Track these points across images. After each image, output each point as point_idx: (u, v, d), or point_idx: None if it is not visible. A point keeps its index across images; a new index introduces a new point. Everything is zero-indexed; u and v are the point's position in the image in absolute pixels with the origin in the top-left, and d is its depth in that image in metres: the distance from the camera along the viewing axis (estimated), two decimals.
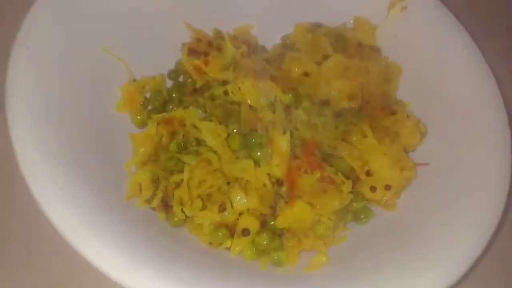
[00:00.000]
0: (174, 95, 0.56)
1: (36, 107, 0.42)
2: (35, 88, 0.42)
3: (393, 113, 0.52)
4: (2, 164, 0.48)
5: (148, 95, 0.56)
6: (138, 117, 0.53)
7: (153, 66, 0.57)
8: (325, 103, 0.52)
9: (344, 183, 0.46)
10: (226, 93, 0.51)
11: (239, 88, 0.49)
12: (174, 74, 0.59)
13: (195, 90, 0.55)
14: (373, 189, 0.48)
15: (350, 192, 0.47)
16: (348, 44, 0.53)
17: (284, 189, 0.47)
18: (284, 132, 0.46)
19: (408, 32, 0.59)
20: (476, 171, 0.49)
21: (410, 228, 0.48)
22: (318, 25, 0.56)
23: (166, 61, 0.59)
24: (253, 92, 0.49)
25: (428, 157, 0.53)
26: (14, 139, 0.38)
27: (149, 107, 0.55)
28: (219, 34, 0.60)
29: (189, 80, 0.56)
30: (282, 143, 0.46)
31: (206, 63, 0.53)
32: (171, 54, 0.58)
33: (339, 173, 0.47)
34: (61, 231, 0.36)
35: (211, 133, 0.47)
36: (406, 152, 0.54)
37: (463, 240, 0.44)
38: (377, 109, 0.52)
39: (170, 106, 0.54)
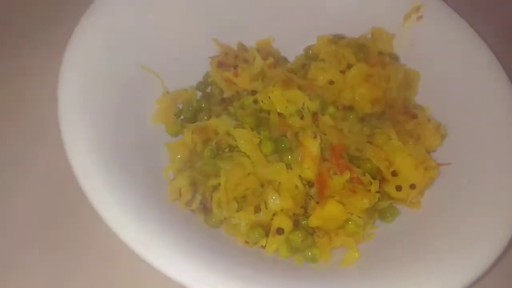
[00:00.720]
0: (203, 105, 0.59)
1: (87, 124, 0.45)
2: (85, 106, 0.46)
3: (415, 116, 0.55)
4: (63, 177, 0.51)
5: (180, 106, 0.60)
6: (173, 126, 0.56)
7: (183, 79, 0.61)
8: (350, 108, 0.55)
9: (371, 183, 0.49)
10: (255, 102, 0.54)
11: (269, 97, 0.52)
12: (202, 85, 0.62)
13: (223, 100, 0.59)
14: (398, 188, 0.50)
15: (377, 192, 0.50)
16: (370, 53, 0.56)
17: (314, 190, 0.50)
18: (315, 137, 0.49)
19: (424, 40, 0.62)
20: (495, 169, 0.51)
21: (434, 225, 0.50)
22: (341, 37, 0.59)
23: (194, 74, 0.62)
24: (282, 100, 0.52)
25: (449, 157, 0.56)
26: (69, 153, 0.42)
27: (182, 117, 0.59)
28: (243, 48, 0.63)
29: (217, 91, 0.60)
30: (313, 147, 0.48)
31: (236, 74, 0.56)
32: (198, 68, 0.62)
33: (366, 174, 0.50)
34: (117, 233, 0.39)
35: (244, 139, 0.50)
36: (428, 153, 0.57)
37: (486, 236, 0.46)
38: (399, 113, 0.55)
39: (201, 115, 0.57)
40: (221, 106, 0.58)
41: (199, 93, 0.62)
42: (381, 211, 0.52)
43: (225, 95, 0.59)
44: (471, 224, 0.48)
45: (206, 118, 0.57)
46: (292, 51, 0.65)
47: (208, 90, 0.62)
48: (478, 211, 0.49)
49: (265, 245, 0.48)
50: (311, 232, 0.49)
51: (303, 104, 0.53)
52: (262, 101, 0.53)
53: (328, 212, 0.46)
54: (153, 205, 0.45)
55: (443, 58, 0.61)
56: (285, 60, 0.66)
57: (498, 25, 0.75)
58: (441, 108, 0.59)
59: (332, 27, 0.64)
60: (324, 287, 0.41)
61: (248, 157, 0.50)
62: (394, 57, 0.60)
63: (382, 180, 0.52)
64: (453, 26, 0.61)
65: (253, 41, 0.66)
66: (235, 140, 0.51)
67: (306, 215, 0.49)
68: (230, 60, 0.61)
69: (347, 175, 0.48)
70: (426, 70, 0.62)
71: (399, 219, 0.53)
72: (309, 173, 0.48)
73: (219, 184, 0.48)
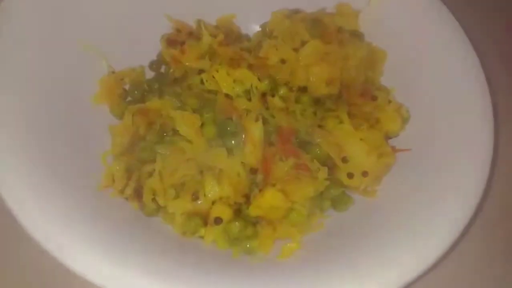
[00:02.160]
0: (155, 86, 0.56)
1: (11, 100, 0.42)
2: (11, 81, 0.43)
3: (373, 99, 0.51)
4: None
5: (127, 87, 0.56)
6: (116, 107, 0.53)
7: (135, 58, 0.58)
8: (304, 90, 0.52)
9: (319, 170, 0.46)
10: (202, 82, 0.51)
11: (213, 77, 0.49)
12: (155, 65, 0.59)
13: (175, 80, 0.55)
14: (350, 175, 0.47)
15: (326, 179, 0.46)
16: (327, 29, 0.52)
17: (259, 177, 0.46)
18: (257, 120, 0.45)
19: (393, 17, 0.58)
20: (457, 157, 0.47)
21: (389, 214, 0.47)
22: (296, 11, 0.55)
23: (149, 53, 0.59)
24: (228, 80, 0.49)
25: (412, 142, 0.52)
26: None
27: (129, 99, 0.56)
28: (200, 24, 0.59)
29: (170, 71, 0.56)
30: (255, 130, 0.45)
31: (183, 52, 0.52)
32: (154, 45, 0.58)
33: (314, 160, 0.46)
34: (28, 227, 0.36)
35: (184, 122, 0.46)
36: (389, 138, 0.53)
37: (441, 225, 0.43)
38: (356, 95, 0.51)
39: (150, 97, 0.54)
40: (173, 86, 0.55)
41: (153, 74, 0.59)
42: (333, 200, 0.49)
43: (177, 75, 0.56)
44: (427, 213, 0.45)
45: (154, 99, 0.53)
46: (256, 28, 0.62)
47: (162, 70, 0.59)
48: (436, 199, 0.46)
49: (203, 236, 0.45)
50: (254, 222, 0.46)
51: (252, 84, 0.49)
52: (206, 81, 0.49)
53: (267, 201, 0.43)
54: (82, 191, 0.42)
55: (412, 36, 0.57)
56: (247, 38, 0.62)
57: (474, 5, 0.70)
58: (408, 90, 0.56)
59: (299, 2, 0.60)
60: (251, 281, 0.38)
61: (189, 141, 0.47)
62: (357, 35, 0.55)
63: (334, 167, 0.48)
64: (424, 3, 0.56)
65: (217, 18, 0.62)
66: None
67: (249, 203, 0.46)
68: (182, 37, 0.57)
69: (291, 161, 0.44)
70: (394, 49, 0.58)
71: (354, 208, 0.50)
72: (251, 159, 0.45)
73: (154, 170, 0.45)
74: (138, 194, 0.45)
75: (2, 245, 0.47)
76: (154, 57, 0.59)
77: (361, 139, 0.47)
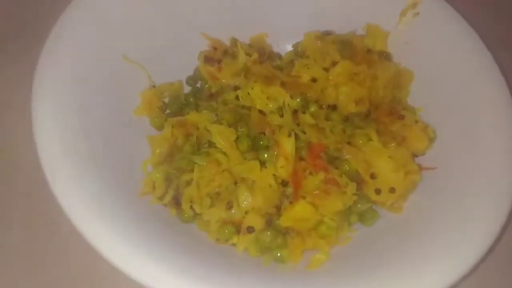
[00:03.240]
0: (191, 100, 0.59)
1: (59, 110, 0.46)
2: (60, 93, 0.46)
3: (401, 118, 0.53)
4: (28, 163, 0.52)
5: (167, 100, 0.60)
6: (156, 119, 0.56)
7: (174, 73, 0.61)
8: (334, 107, 0.54)
9: (348, 185, 0.48)
10: (237, 98, 0.54)
11: (248, 93, 0.52)
12: (192, 80, 0.62)
13: (211, 95, 0.59)
14: (377, 191, 0.49)
15: (355, 194, 0.48)
16: (356, 51, 0.55)
17: (290, 190, 0.49)
18: (289, 135, 0.48)
19: (420, 38, 0.60)
20: (483, 176, 0.49)
21: (415, 230, 0.48)
22: (327, 33, 0.58)
23: (186, 68, 0.62)
24: (262, 97, 0.52)
25: (438, 161, 0.54)
26: (37, 138, 0.42)
27: (168, 111, 0.59)
28: (235, 43, 0.63)
29: (206, 86, 0.60)
30: (287, 145, 0.48)
31: (220, 69, 0.55)
32: (191, 62, 0.62)
33: (343, 175, 0.48)
34: (77, 226, 0.39)
35: (220, 135, 0.49)
36: (416, 156, 0.55)
37: (466, 242, 0.44)
38: (384, 114, 0.53)
39: (187, 110, 0.57)
40: (209, 101, 0.58)
41: (189, 88, 0.62)
42: (361, 214, 0.51)
43: (213, 90, 0.59)
44: (452, 230, 0.46)
45: (192, 112, 0.56)
46: (289, 47, 0.65)
47: (198, 85, 0.62)
48: (461, 217, 0.47)
49: (236, 243, 0.47)
50: (284, 232, 0.48)
51: (284, 101, 0.52)
52: (242, 97, 0.52)
53: (297, 213, 0.45)
54: (124, 197, 0.45)
55: (439, 58, 0.59)
56: (279, 56, 0.65)
57: (500, 26, 0.72)
58: (434, 110, 0.57)
59: (329, 23, 0.62)
60: None
61: (224, 153, 0.49)
62: (385, 56, 0.58)
63: (362, 183, 0.50)
64: (451, 24, 0.59)
65: (250, 36, 0.65)
66: None
67: (279, 214, 0.48)
68: (218, 55, 0.60)
69: (321, 175, 0.47)
70: (421, 69, 0.60)
71: (380, 223, 0.52)
72: (283, 172, 0.47)
73: (192, 180, 0.48)
74: (176, 201, 0.48)
75: (53, 239, 0.50)
76: (191, 72, 0.63)
77: (389, 157, 0.48)
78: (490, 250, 0.44)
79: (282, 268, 0.45)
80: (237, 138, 0.50)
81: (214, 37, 0.63)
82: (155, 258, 0.40)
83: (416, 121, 0.53)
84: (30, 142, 0.43)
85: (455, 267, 0.43)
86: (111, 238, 0.39)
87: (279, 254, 0.46)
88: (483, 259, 0.44)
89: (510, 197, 0.47)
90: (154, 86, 0.59)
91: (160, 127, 0.57)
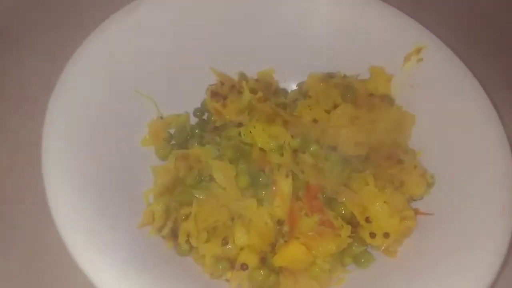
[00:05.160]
0: (196, 131, 0.61)
1: (68, 136, 0.48)
2: (68, 127, 0.48)
3: (399, 162, 0.54)
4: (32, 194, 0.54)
5: (173, 131, 0.62)
6: (161, 150, 0.58)
7: (181, 104, 0.63)
8: (333, 148, 0.55)
9: (343, 228, 0.48)
10: (240, 134, 0.55)
11: (250, 131, 0.53)
12: (199, 112, 0.64)
13: (215, 129, 0.60)
14: (372, 235, 0.49)
15: (350, 237, 0.49)
16: (358, 94, 0.56)
17: (285, 229, 0.50)
18: (287, 176, 0.49)
19: (424, 83, 0.61)
20: (479, 225, 0.49)
21: (409, 274, 0.49)
22: (331, 76, 0.59)
23: (194, 100, 0.65)
24: (263, 135, 0.53)
25: (435, 206, 0.54)
26: (44, 169, 0.44)
27: (173, 142, 0.61)
28: (243, 77, 0.65)
29: (212, 119, 0.61)
30: (285, 186, 0.49)
31: (225, 106, 0.57)
32: (199, 94, 0.64)
33: (339, 218, 0.49)
34: (74, 255, 0.41)
35: (221, 171, 0.51)
36: (414, 200, 0.55)
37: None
38: (383, 158, 0.54)
39: (192, 142, 0.59)
40: (213, 134, 0.60)
41: (196, 120, 0.64)
42: (355, 256, 0.51)
43: (217, 124, 0.61)
44: (444, 281, 0.46)
45: (196, 144, 0.58)
46: (295, 83, 0.66)
47: (205, 117, 0.64)
48: (456, 265, 0.47)
49: (230, 279, 0.48)
50: (277, 271, 0.49)
51: (285, 140, 0.53)
52: (244, 134, 0.54)
53: (291, 253, 0.46)
54: (121, 227, 0.47)
55: (441, 103, 0.59)
56: (285, 92, 0.66)
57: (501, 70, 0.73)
58: (434, 154, 0.58)
59: (333, 62, 0.64)
60: None
61: (224, 189, 0.51)
62: (387, 99, 0.59)
63: (358, 225, 0.51)
64: (454, 72, 0.59)
65: (258, 71, 0.67)
66: None
67: (274, 252, 0.49)
68: (224, 90, 0.62)
69: (316, 217, 0.48)
70: (423, 114, 0.61)
71: (375, 265, 0.52)
72: (279, 211, 0.48)
73: (191, 213, 0.49)
74: (174, 234, 0.50)
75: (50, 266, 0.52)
76: (198, 104, 0.65)
77: (384, 202, 0.49)
78: None
79: None
80: (236, 174, 0.52)
81: (223, 70, 0.65)
82: None
83: (415, 166, 0.54)
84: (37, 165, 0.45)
85: None
86: (103, 267, 0.41)
87: None
88: None
89: (505, 247, 0.47)
90: (161, 117, 0.61)
91: (164, 158, 0.58)
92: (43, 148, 0.47)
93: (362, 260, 0.51)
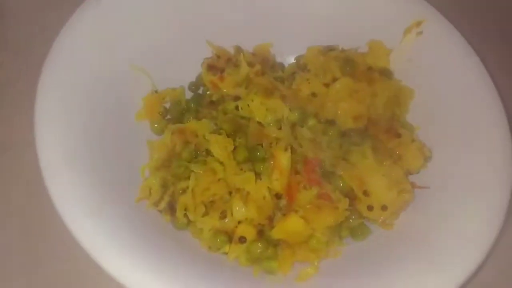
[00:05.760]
0: (192, 105, 0.60)
1: (62, 110, 0.46)
2: (62, 97, 0.47)
3: (398, 136, 0.53)
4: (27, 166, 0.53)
5: (168, 105, 0.61)
6: (156, 125, 0.57)
7: (176, 78, 0.62)
8: (332, 122, 0.55)
9: (341, 201, 0.48)
10: (237, 108, 0.55)
11: (248, 105, 0.52)
12: (194, 86, 0.63)
13: (211, 103, 0.59)
14: (370, 208, 0.50)
15: (347, 210, 0.49)
16: (357, 67, 0.55)
17: (283, 202, 0.50)
18: (286, 149, 0.49)
19: (423, 57, 0.60)
20: (476, 198, 0.49)
21: (405, 246, 0.49)
22: (330, 48, 0.58)
23: (189, 74, 0.63)
24: (261, 109, 0.53)
25: (432, 179, 0.54)
26: (37, 142, 0.43)
27: (168, 116, 0.60)
28: (239, 51, 0.63)
29: (207, 93, 0.60)
30: (283, 159, 0.48)
31: (221, 79, 0.56)
32: (194, 68, 0.63)
33: (337, 191, 0.49)
34: (70, 228, 0.40)
35: (218, 145, 0.50)
36: (410, 174, 0.55)
37: (455, 261, 0.45)
38: (381, 132, 0.53)
39: (187, 116, 0.58)
40: (209, 109, 0.59)
41: (191, 94, 0.63)
42: (352, 229, 0.51)
43: (214, 98, 0.60)
44: (440, 252, 0.46)
45: (191, 119, 0.57)
46: (292, 58, 0.65)
47: (200, 91, 0.63)
48: (450, 239, 0.47)
49: (228, 252, 0.48)
50: (275, 243, 0.49)
51: (283, 114, 0.53)
52: (241, 108, 0.53)
53: (289, 226, 0.46)
54: (119, 201, 0.46)
55: (440, 77, 0.59)
56: (282, 66, 0.65)
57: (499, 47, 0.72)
58: (432, 129, 0.58)
59: (333, 37, 0.63)
60: None
61: (221, 163, 0.50)
62: (386, 73, 0.58)
63: (355, 198, 0.51)
64: (453, 45, 0.59)
65: (255, 45, 0.66)
66: None
67: (272, 226, 0.49)
68: (221, 63, 0.61)
69: (314, 190, 0.47)
70: (422, 88, 0.60)
71: (371, 238, 0.52)
72: (277, 185, 0.48)
73: (188, 187, 0.49)
74: (171, 208, 0.49)
75: (50, 241, 0.52)
76: (194, 78, 0.64)
77: (383, 175, 0.49)
78: (479, 270, 0.44)
79: (271, 279, 0.46)
80: (234, 148, 0.51)
81: (219, 44, 0.64)
82: (145, 264, 0.41)
83: (413, 140, 0.54)
84: (32, 144, 0.44)
85: (443, 285, 0.44)
86: (101, 241, 0.40)
87: (268, 265, 0.46)
88: (471, 278, 0.44)
89: (501, 218, 0.47)
90: (156, 91, 0.60)
91: (160, 133, 0.58)
92: (36, 122, 0.46)
93: (359, 233, 0.51)
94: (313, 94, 0.54)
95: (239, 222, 0.48)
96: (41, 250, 0.52)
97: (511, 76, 0.67)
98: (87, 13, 0.53)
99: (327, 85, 0.54)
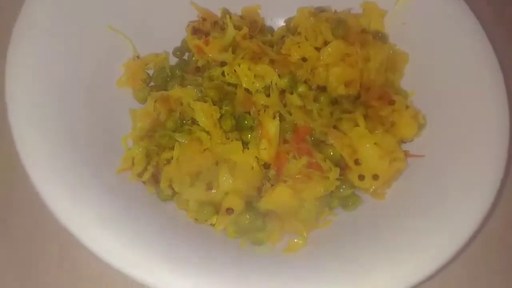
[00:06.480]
0: (177, 72, 0.57)
1: (36, 80, 0.44)
2: (36, 62, 0.44)
3: (391, 103, 0.51)
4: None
5: (151, 72, 0.58)
6: (139, 92, 0.55)
7: (160, 43, 0.59)
8: (323, 89, 0.52)
9: (331, 170, 0.47)
10: (223, 74, 0.52)
11: (235, 71, 0.50)
12: (179, 52, 0.60)
13: (197, 69, 0.57)
14: (361, 177, 0.48)
15: (338, 179, 0.48)
16: (350, 30, 0.52)
17: (272, 172, 0.48)
18: (274, 117, 0.46)
19: (418, 20, 0.58)
20: (469, 168, 0.48)
21: (396, 217, 0.48)
22: (322, 10, 0.55)
23: (173, 38, 0.60)
24: (248, 74, 0.50)
25: (425, 148, 0.53)
26: (9, 110, 0.41)
27: (152, 84, 0.57)
28: (226, 14, 0.60)
29: (193, 59, 0.57)
30: (271, 127, 0.46)
31: (207, 43, 0.53)
32: (179, 32, 0.59)
33: (327, 160, 0.47)
34: (49, 204, 0.38)
35: (204, 113, 0.48)
36: (404, 142, 0.54)
37: (447, 233, 0.44)
38: (374, 98, 0.51)
39: (172, 83, 0.55)
40: (195, 75, 0.56)
41: (176, 60, 0.60)
42: (343, 199, 0.50)
43: (199, 64, 0.57)
44: (432, 224, 0.45)
45: (177, 86, 0.54)
46: (282, 21, 0.62)
47: (185, 57, 0.60)
48: (443, 210, 0.46)
49: (215, 224, 0.47)
50: (263, 214, 0.47)
51: (272, 80, 0.50)
52: (228, 74, 0.50)
53: (278, 197, 0.45)
54: (100, 172, 0.44)
55: (436, 41, 0.57)
56: (271, 30, 0.62)
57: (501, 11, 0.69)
58: (427, 95, 0.56)
59: None
60: (256, 271, 0.40)
61: (207, 132, 0.48)
62: (380, 36, 0.55)
63: (346, 167, 0.49)
64: (449, 6, 0.56)
65: (243, 7, 0.62)
66: None
67: (260, 196, 0.47)
68: (207, 26, 0.58)
69: (304, 160, 0.46)
70: (417, 52, 0.58)
71: (362, 208, 0.51)
72: (265, 154, 0.46)
73: (172, 158, 0.47)
74: (155, 179, 0.47)
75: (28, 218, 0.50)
76: (178, 43, 0.60)
77: (375, 143, 0.47)
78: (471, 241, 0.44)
79: (259, 250, 0.45)
80: (220, 116, 0.49)
81: (205, 6, 0.60)
82: (130, 237, 0.40)
83: (407, 107, 0.52)
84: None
85: (433, 257, 0.43)
86: (83, 217, 0.39)
87: (256, 236, 0.45)
88: (462, 250, 0.44)
89: (494, 189, 0.46)
90: (138, 57, 0.57)
91: (143, 101, 0.55)
92: (8, 95, 0.43)
93: (350, 203, 0.50)
94: (303, 59, 0.51)
95: (226, 193, 0.46)
96: (22, 229, 0.50)
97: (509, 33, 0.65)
98: None
99: (318, 49, 0.51)
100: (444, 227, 0.45)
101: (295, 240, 0.45)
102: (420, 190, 0.50)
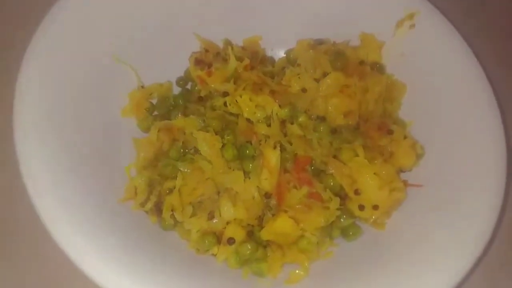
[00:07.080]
0: (180, 101, 0.58)
1: (42, 108, 0.45)
2: (43, 91, 0.45)
3: (390, 133, 0.52)
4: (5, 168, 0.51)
5: (155, 101, 0.59)
6: (143, 121, 0.56)
7: (164, 73, 0.60)
8: (322, 119, 0.53)
9: (331, 200, 0.47)
10: (226, 104, 0.53)
11: (237, 101, 0.51)
12: (182, 81, 0.61)
13: (200, 99, 0.58)
14: (361, 207, 0.49)
15: (338, 209, 0.48)
16: (349, 62, 0.54)
17: (273, 202, 0.48)
18: (275, 147, 0.47)
19: (416, 51, 0.59)
20: (469, 198, 0.48)
21: (397, 247, 0.48)
22: (320, 42, 0.57)
23: (177, 68, 0.61)
24: (250, 105, 0.51)
25: (424, 177, 0.53)
26: (16, 138, 0.42)
27: (155, 113, 0.58)
28: (228, 45, 0.61)
29: (196, 88, 0.59)
30: (272, 157, 0.47)
31: (209, 74, 0.54)
32: (182, 62, 0.61)
33: (327, 190, 0.48)
34: (52, 232, 0.39)
35: (206, 143, 0.49)
36: (403, 171, 0.54)
37: (447, 264, 0.44)
38: (373, 128, 0.52)
39: (175, 113, 0.56)
40: (198, 104, 0.57)
41: (180, 89, 0.62)
42: (343, 229, 0.50)
43: (202, 94, 0.58)
44: (432, 255, 0.46)
45: (180, 115, 0.55)
46: (283, 52, 0.64)
47: (189, 86, 0.61)
48: (444, 240, 0.46)
49: (216, 254, 0.47)
50: (264, 244, 0.48)
51: (272, 111, 0.51)
52: (229, 104, 0.51)
53: (279, 227, 0.45)
54: (103, 202, 0.45)
55: (433, 72, 0.58)
56: (272, 60, 0.64)
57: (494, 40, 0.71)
58: (425, 125, 0.57)
59: (324, 30, 0.61)
60: None
61: (209, 161, 0.49)
62: (378, 68, 0.57)
63: (346, 197, 0.50)
64: (447, 38, 0.57)
65: (244, 38, 0.64)
66: None
67: (261, 226, 0.48)
68: (209, 57, 0.59)
69: (304, 189, 0.46)
70: (415, 82, 0.59)
71: (363, 238, 0.51)
72: (267, 184, 0.47)
73: (175, 187, 0.47)
74: (158, 208, 0.48)
75: (27, 245, 0.50)
76: (182, 73, 0.62)
77: (374, 173, 0.48)
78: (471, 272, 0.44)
79: (260, 281, 0.45)
80: (222, 146, 0.50)
81: (207, 37, 0.62)
82: (131, 268, 0.40)
83: (405, 137, 0.53)
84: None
85: (437, 286, 0.43)
86: (85, 246, 0.39)
87: (257, 267, 0.45)
88: (463, 281, 0.44)
89: (495, 215, 0.46)
90: (143, 87, 0.58)
91: (147, 130, 0.56)
92: (15, 122, 0.44)
93: (350, 233, 0.50)
94: (303, 90, 0.53)
95: (228, 223, 0.47)
96: (23, 255, 0.50)
97: (505, 69, 0.66)
98: (70, 3, 0.50)
99: (317, 80, 0.53)
100: (446, 257, 0.45)
101: (297, 271, 0.45)
102: (419, 220, 0.50)
